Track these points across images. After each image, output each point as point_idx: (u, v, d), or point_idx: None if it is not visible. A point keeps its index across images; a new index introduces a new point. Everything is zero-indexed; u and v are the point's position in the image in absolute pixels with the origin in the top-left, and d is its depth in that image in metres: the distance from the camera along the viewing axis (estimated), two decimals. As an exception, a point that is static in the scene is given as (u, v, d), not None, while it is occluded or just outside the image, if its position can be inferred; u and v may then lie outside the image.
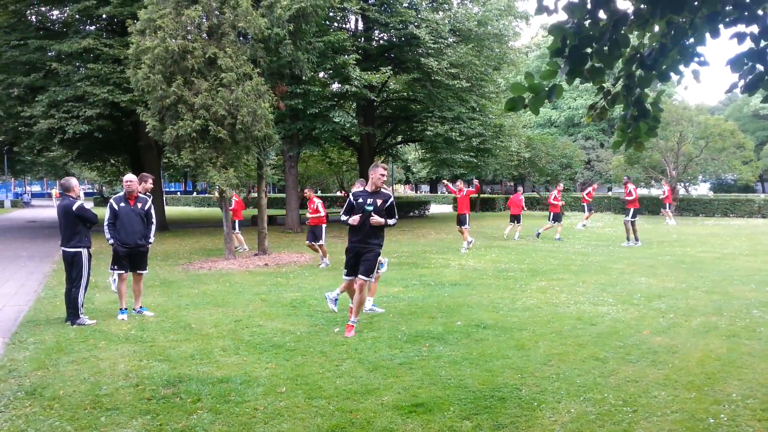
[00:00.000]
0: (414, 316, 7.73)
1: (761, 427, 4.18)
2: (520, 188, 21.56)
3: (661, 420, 4.32)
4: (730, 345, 6.25)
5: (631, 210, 16.54)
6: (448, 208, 41.96)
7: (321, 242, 12.69)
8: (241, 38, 13.14)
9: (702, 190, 49.68)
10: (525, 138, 30.13)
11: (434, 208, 39.70)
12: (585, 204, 24.61)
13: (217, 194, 13.42)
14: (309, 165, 31.63)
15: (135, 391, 4.99)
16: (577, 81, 3.16)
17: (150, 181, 8.53)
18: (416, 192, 66.20)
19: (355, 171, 30.62)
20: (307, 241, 12.95)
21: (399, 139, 28.96)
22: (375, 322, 7.41)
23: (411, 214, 31.93)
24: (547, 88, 2.86)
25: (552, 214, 18.30)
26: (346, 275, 7.00)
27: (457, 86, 20.83)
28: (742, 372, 5.37)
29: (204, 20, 12.57)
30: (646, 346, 6.24)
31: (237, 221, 16.16)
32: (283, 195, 25.98)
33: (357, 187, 8.57)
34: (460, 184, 16.12)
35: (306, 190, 14.33)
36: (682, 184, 33.94)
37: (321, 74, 21.06)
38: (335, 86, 21.74)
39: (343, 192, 36.22)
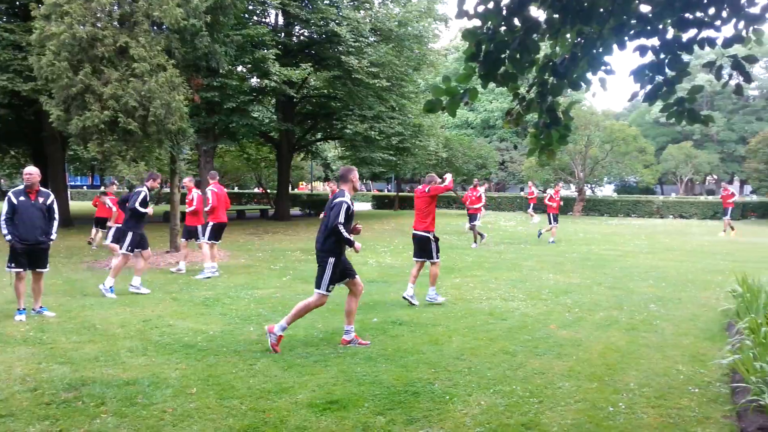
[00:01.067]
0: (331, 313, 7.73)
1: (655, 413, 4.47)
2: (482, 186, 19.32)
3: (565, 410, 4.53)
4: (629, 338, 6.64)
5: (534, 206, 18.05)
6: (367, 206, 42.18)
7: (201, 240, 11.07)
8: (155, 28, 12.64)
9: (607, 191, 52.40)
10: (443, 138, 30.70)
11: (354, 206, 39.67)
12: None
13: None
14: (226, 160, 30.89)
15: (32, 395, 4.71)
16: (492, 84, 3.26)
17: (158, 180, 8.31)
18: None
19: (274, 168, 30.20)
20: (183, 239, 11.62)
21: (319, 136, 28.81)
22: (291, 319, 7.35)
23: (309, 212, 31.87)
24: (462, 91, 2.94)
25: (550, 215, 17.68)
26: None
27: (377, 85, 20.95)
28: (639, 363, 5.72)
29: (116, 7, 11.99)
30: (552, 339, 6.52)
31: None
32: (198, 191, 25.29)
33: (333, 187, 8.47)
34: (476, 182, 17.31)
35: (186, 180, 12.05)
36: (589, 186, 35.66)
37: (239, 68, 20.61)
38: (254, 81, 21.35)
39: (261, 189, 35.61)
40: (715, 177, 56.67)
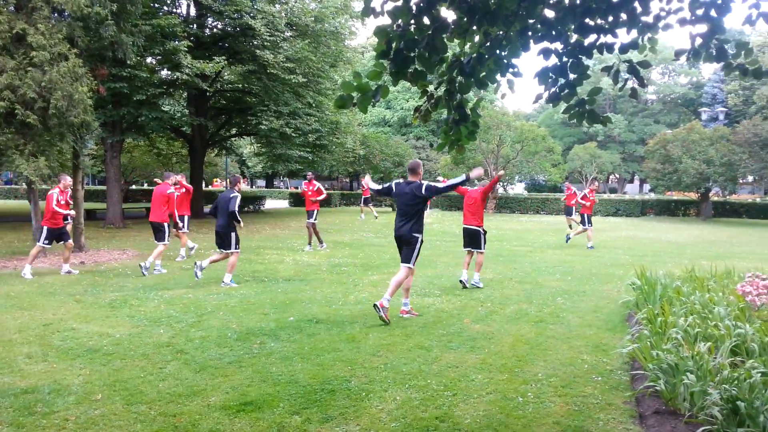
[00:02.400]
0: (246, 313, 7.59)
1: (561, 402, 4.67)
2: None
3: (477, 401, 4.66)
4: (538, 330, 6.91)
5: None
6: (284, 204, 41.68)
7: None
8: (56, 15, 11.96)
9: (518, 189, 54.28)
10: (360, 135, 30.79)
11: (270, 204, 39.21)
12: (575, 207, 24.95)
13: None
14: (134, 156, 29.60)
15: None
16: (409, 83, 3.30)
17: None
18: (251, 186, 64.92)
19: (186, 164, 29.25)
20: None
21: (233, 132, 28.16)
22: (204, 320, 7.16)
23: (246, 209, 31.24)
24: (373, 88, 2.95)
25: (582, 215, 15.83)
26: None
27: (293, 81, 20.72)
28: (546, 353, 5.96)
29: (11, -9, 11.26)
30: (466, 333, 6.68)
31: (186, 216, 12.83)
32: (104, 187, 24.07)
33: (238, 187, 9.95)
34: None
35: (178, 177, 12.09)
36: (501, 184, 36.76)
37: (149, 60, 19.82)
38: (165, 73, 20.59)
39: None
40: (617, 176, 59.91)
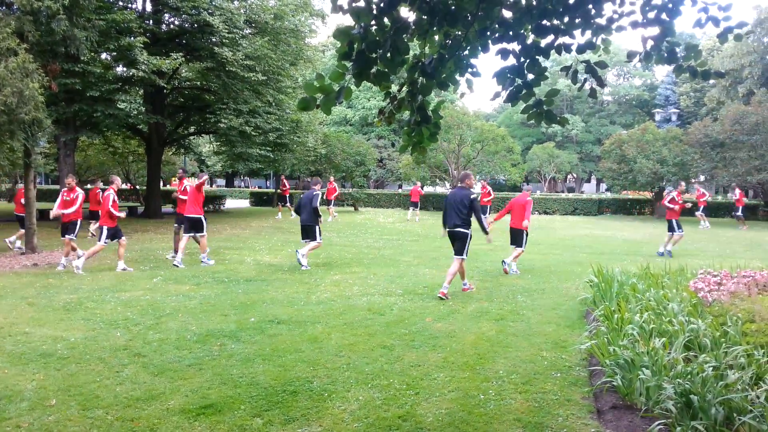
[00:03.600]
0: (206, 314, 7.47)
1: (522, 398, 4.73)
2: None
3: (439, 399, 4.69)
4: (499, 327, 6.99)
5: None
6: (245, 203, 41.21)
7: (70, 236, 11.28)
8: (4, 8, 11.56)
9: (478, 189, 54.84)
10: (321, 135, 30.63)
11: (230, 203, 38.72)
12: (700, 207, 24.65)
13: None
14: (89, 154, 28.83)
15: None
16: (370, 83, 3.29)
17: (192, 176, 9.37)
18: (211, 186, 63.98)
19: (143, 162, 28.64)
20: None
21: (192, 130, 27.66)
22: (162, 322, 7.02)
23: (205, 208, 30.77)
24: (336, 89, 2.94)
25: (670, 221, 14.57)
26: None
27: (253, 79, 20.48)
28: (507, 351, 6.03)
29: (-46, -17, 10.84)
30: (428, 332, 6.72)
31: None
32: (58, 187, 23.38)
33: (318, 187, 11.84)
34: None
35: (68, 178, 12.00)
36: (414, 181, 37.06)
37: (103, 55, 19.31)
38: (120, 69, 20.10)
39: (130, 185, 33.64)
40: (575, 175, 61.11)
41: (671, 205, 14.47)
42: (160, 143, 24.92)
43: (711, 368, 4.32)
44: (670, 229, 14.55)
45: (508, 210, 11.73)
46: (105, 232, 10.86)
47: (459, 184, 9.43)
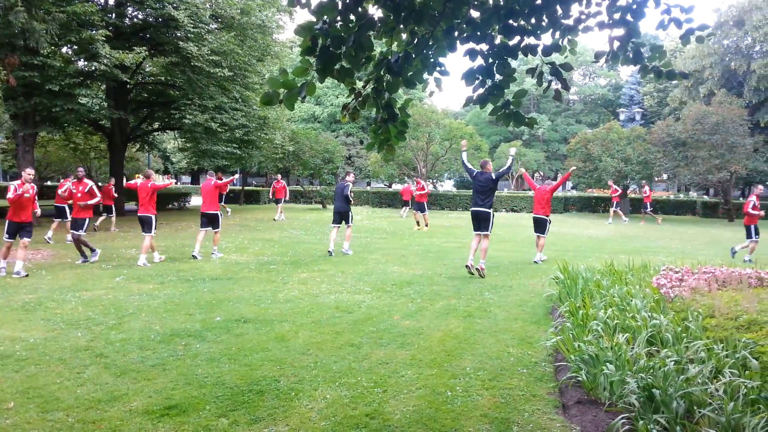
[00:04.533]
0: (170, 314, 7.35)
1: (488, 395, 4.76)
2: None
3: (407, 397, 4.69)
4: (466, 324, 7.03)
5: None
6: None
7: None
8: (-42, -1, 11.18)
9: (447, 186, 55.16)
10: (289, 131, 30.40)
11: (196, 200, 38.18)
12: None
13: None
14: (49, 150, 28.10)
15: None
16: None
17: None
18: (176, 183, 62.96)
19: (105, 159, 28.04)
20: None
21: (156, 126, 27.18)
22: (125, 322, 6.88)
23: (170, 206, 30.30)
24: (300, 85, 2.90)
25: (748, 227, 13.75)
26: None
27: (219, 74, 20.20)
28: (474, 348, 6.07)
29: None
30: (396, 330, 6.72)
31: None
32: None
33: (350, 178, 13.76)
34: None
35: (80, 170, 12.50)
36: (431, 181, 37.26)
37: (64, 49, 18.84)
38: (81, 63, 19.62)
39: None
40: (542, 173, 61.83)
41: (754, 212, 13.54)
42: (123, 139, 24.44)
43: (672, 363, 4.41)
44: (748, 235, 13.77)
45: (541, 200, 12.88)
46: (155, 221, 11.71)
47: (483, 170, 10.81)
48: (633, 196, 36.04)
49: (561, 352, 5.54)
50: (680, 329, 5.33)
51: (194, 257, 12.28)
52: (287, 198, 25.90)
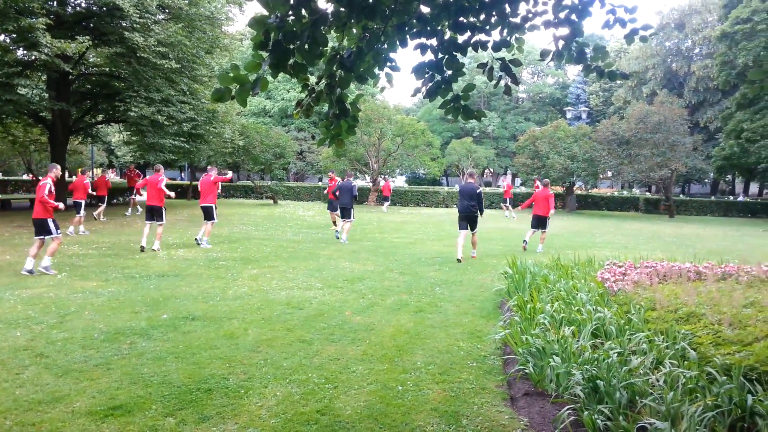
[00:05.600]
0: (114, 312, 7.14)
1: (439, 388, 4.81)
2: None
3: (358, 392, 4.69)
4: (417, 319, 7.08)
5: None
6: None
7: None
8: None
9: (399, 182, 55.36)
10: (239, 126, 29.90)
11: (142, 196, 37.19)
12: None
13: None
14: (-14, 143, 26.94)
15: None
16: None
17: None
18: (121, 177, 61.23)
19: (46, 152, 27.01)
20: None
21: (100, 118, 26.31)
22: (67, 321, 6.65)
23: (115, 201, 29.43)
24: (252, 80, 2.85)
25: None
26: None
27: (166, 66, 19.69)
28: (425, 342, 6.12)
29: None
30: (348, 325, 6.71)
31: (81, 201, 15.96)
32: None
33: (352, 178, 15.73)
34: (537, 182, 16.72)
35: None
36: (383, 177, 37.33)
37: (1, 37, 18.02)
38: (20, 53, 18.81)
39: (31, 175, 31.66)
40: (491, 170, 62.75)
41: None
42: (65, 132, 23.54)
43: (616, 354, 4.55)
44: None
45: (531, 201, 14.52)
46: (165, 212, 12.25)
47: (468, 180, 12.52)
48: (579, 192, 36.94)
49: (509, 345, 5.64)
50: (623, 322, 5.50)
51: (198, 243, 13.59)
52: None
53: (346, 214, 15.15)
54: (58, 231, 9.89)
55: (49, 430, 3.91)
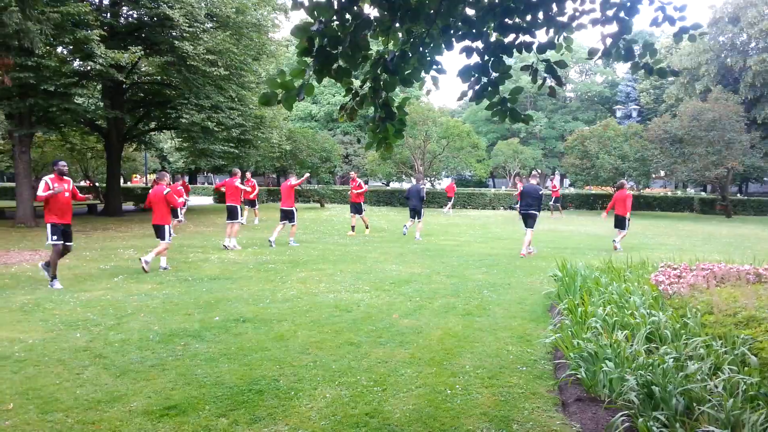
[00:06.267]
0: (169, 314, 7.33)
1: (488, 393, 4.76)
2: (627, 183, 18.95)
3: (406, 395, 4.69)
4: (465, 322, 7.03)
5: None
6: (208, 200, 40.65)
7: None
8: (-47, 0, 11.14)
9: (445, 184, 55.10)
10: (286, 130, 30.34)
11: (193, 200, 38.15)
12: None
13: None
14: (45, 151, 28.02)
15: None
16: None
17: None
18: (173, 182, 63.02)
19: (102, 159, 27.98)
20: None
21: (152, 125, 27.12)
22: (124, 323, 6.87)
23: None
24: (298, 86, 2.89)
25: None
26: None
27: (215, 73, 20.16)
28: (474, 346, 6.07)
29: None
30: (395, 328, 6.72)
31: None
32: (13, 184, 22.68)
33: (423, 182, 18.22)
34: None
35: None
36: (429, 179, 37.29)
37: (59, 49, 18.77)
38: (77, 63, 19.56)
39: (89, 182, 32.85)
40: (539, 171, 61.91)
41: None
42: (120, 139, 24.39)
43: (672, 359, 4.41)
44: None
45: (613, 203, 14.88)
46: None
47: (531, 180, 14.09)
48: (633, 193, 36.08)
49: (560, 349, 5.54)
50: (679, 326, 5.34)
51: (224, 247, 14.05)
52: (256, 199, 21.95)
53: (417, 215, 16.59)
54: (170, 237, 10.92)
55: (108, 428, 4.04)
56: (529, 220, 13.28)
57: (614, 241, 14.79)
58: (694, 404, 3.92)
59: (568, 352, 5.18)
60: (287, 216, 14.66)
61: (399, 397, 4.65)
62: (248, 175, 20.62)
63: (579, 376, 4.75)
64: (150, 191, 11.08)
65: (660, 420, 3.80)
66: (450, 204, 30.29)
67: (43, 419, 4.17)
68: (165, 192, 10.67)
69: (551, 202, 28.71)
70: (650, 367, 4.36)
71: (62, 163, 9.37)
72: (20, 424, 4.09)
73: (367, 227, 18.52)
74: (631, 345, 4.98)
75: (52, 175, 9.17)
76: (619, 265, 9.00)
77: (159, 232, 10.82)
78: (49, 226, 9.10)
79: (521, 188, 15.24)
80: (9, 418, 4.19)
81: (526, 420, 4.26)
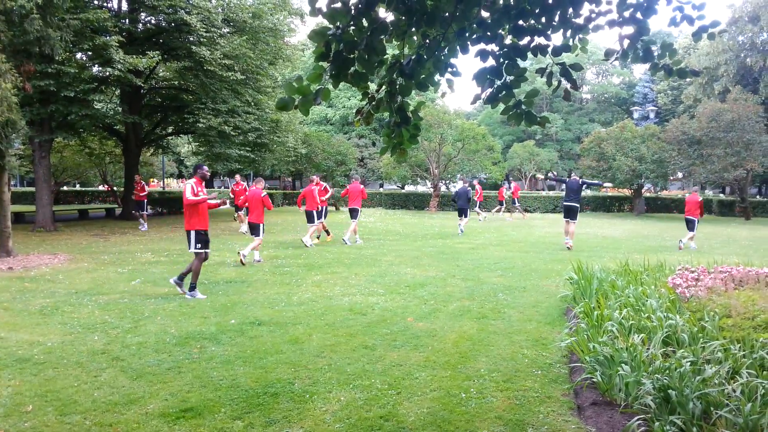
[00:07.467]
0: (185, 317, 7.40)
1: (503, 396, 4.75)
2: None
3: (421, 399, 4.68)
4: (480, 326, 7.01)
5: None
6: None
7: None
8: (-25, 8, 11.32)
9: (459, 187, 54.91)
10: (302, 134, 30.46)
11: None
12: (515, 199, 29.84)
13: None
14: (65, 156, 28.36)
15: None
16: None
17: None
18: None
19: (120, 163, 28.26)
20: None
21: (170, 130, 27.38)
22: (141, 326, 6.94)
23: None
24: (314, 91, 2.91)
25: None
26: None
27: (231, 78, 20.31)
28: (489, 349, 6.05)
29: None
30: (410, 331, 6.72)
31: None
32: (33, 189, 22.99)
33: (467, 185, 20.61)
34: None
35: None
36: (444, 182, 37.21)
37: (78, 55, 19.02)
38: (96, 69, 19.81)
39: (107, 186, 33.18)
40: (555, 173, 61.56)
41: None
42: (138, 144, 24.64)
43: (689, 363, 4.37)
44: None
45: (688, 206, 15.59)
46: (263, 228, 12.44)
47: (573, 177, 15.47)
48: (648, 195, 35.74)
49: (576, 353, 5.51)
50: (696, 329, 5.28)
51: (344, 242, 15.92)
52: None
53: (463, 214, 19.26)
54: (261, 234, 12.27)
55: (125, 430, 4.09)
56: (571, 214, 14.83)
57: (680, 241, 15.46)
58: (712, 408, 3.88)
59: (584, 356, 5.15)
60: (310, 217, 15.61)
61: (413, 401, 4.65)
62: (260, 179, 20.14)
63: (594, 379, 4.71)
64: (248, 192, 12.90)
65: (676, 424, 3.77)
66: (517, 205, 30.42)
67: (62, 421, 4.22)
68: (262, 195, 12.04)
69: (515, 204, 30.03)
70: (667, 371, 4.31)
71: (205, 168, 9.14)
72: (39, 425, 4.15)
73: (325, 236, 17.20)
74: (648, 348, 4.94)
75: (193, 180, 8.92)
76: (635, 268, 8.92)
77: (254, 230, 12.33)
78: (193, 233, 8.80)
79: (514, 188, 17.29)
80: (28, 419, 4.25)
81: (541, 424, 4.24)
